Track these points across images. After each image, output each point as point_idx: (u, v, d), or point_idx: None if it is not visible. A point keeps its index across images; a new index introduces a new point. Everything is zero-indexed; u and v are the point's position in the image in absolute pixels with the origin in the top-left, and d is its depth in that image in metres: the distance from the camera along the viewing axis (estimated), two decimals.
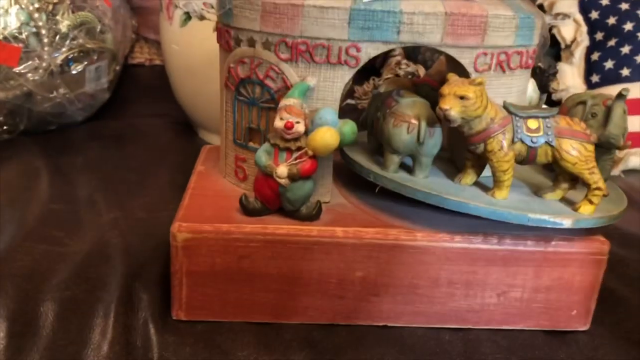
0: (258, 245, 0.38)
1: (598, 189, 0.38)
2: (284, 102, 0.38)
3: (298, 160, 0.38)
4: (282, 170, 0.38)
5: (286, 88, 0.40)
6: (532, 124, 0.38)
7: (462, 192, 0.39)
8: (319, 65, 0.39)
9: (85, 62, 0.68)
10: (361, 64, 0.39)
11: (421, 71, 0.82)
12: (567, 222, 0.37)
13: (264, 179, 0.39)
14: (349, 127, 0.39)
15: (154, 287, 0.42)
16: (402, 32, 0.38)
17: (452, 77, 0.37)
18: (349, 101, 0.85)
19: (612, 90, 0.75)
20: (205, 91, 0.64)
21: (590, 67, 0.77)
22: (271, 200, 0.39)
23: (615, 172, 0.71)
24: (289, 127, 0.37)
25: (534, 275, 0.40)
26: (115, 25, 0.75)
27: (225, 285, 0.39)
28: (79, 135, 0.70)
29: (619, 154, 0.70)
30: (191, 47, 0.65)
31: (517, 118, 0.38)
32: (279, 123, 0.38)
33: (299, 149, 0.38)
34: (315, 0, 0.38)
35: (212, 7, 0.61)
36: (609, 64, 0.75)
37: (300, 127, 0.38)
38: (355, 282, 0.40)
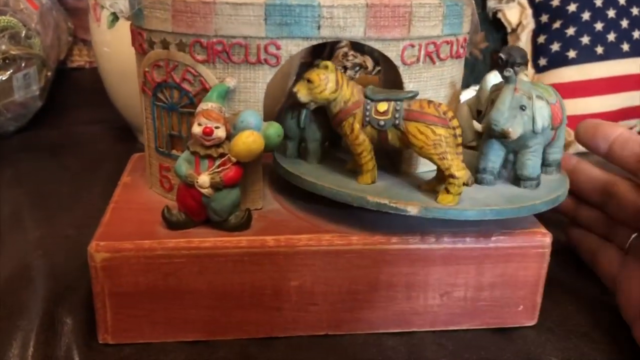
0: (183, 260, 0.36)
1: (451, 176, 0.36)
2: (201, 106, 0.36)
3: (221, 168, 0.36)
4: (204, 179, 0.36)
5: (205, 91, 0.37)
6: (382, 107, 0.37)
7: (338, 180, 0.39)
8: (238, 66, 0.37)
9: (12, 70, 0.64)
10: (282, 62, 0.37)
11: (368, 62, 0.80)
12: (412, 209, 0.35)
13: (186, 189, 0.37)
14: (274, 129, 0.37)
15: (78, 310, 0.39)
16: (322, 27, 0.36)
17: (321, 63, 0.37)
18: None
19: (560, 73, 0.74)
20: (139, 93, 0.61)
21: (537, 51, 0.76)
22: (196, 211, 0.37)
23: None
24: (207, 133, 0.35)
25: (476, 273, 0.39)
26: (44, 29, 0.71)
27: (152, 305, 0.37)
28: (9, 147, 0.66)
29: (568, 137, 0.70)
30: (122, 49, 0.62)
31: (369, 101, 0.37)
32: (196, 129, 0.35)
33: (221, 155, 0.36)
34: None
35: None
36: (555, 47, 0.74)
37: (220, 133, 0.36)
38: (290, 292, 0.38)
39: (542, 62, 0.75)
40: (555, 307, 0.43)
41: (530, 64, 0.76)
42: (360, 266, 0.38)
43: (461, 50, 0.41)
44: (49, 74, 0.71)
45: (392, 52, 0.38)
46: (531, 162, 0.39)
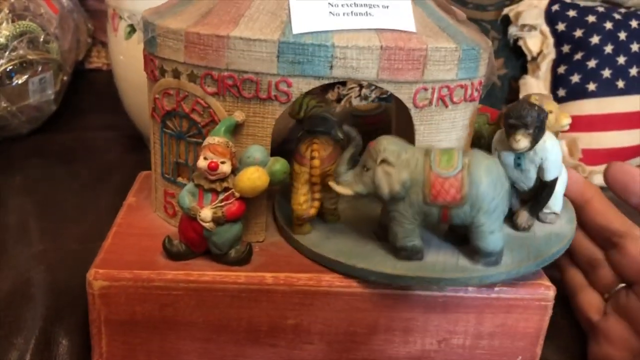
0: (181, 293, 0.36)
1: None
2: (208, 140, 0.36)
3: (224, 203, 0.36)
4: (206, 213, 0.36)
5: (214, 122, 0.37)
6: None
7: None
8: (248, 100, 0.36)
9: (28, 74, 0.65)
10: (293, 99, 0.36)
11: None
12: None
13: (188, 221, 0.36)
14: (280, 165, 0.36)
15: (76, 332, 0.40)
16: (335, 67, 0.35)
17: None
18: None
19: (579, 105, 0.73)
20: None
21: (557, 81, 0.75)
22: (196, 243, 0.37)
23: None
24: (212, 168, 0.35)
25: (476, 322, 0.38)
26: (63, 34, 0.71)
27: (148, 335, 0.37)
28: (21, 150, 0.66)
29: (582, 172, 0.69)
30: (137, 59, 0.62)
31: None
32: (202, 163, 0.35)
33: (225, 189, 0.36)
34: (241, 31, 0.35)
35: None
36: (575, 78, 0.73)
37: (225, 168, 0.35)
38: (287, 330, 0.37)
39: (561, 92, 0.74)
40: (556, 354, 0.42)
41: (548, 94, 0.75)
42: (359, 309, 0.37)
43: (475, 94, 0.40)
44: (65, 78, 0.72)
45: (404, 95, 0.37)
46: (395, 230, 0.36)
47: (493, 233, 0.35)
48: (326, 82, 0.36)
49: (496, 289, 0.37)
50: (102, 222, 0.52)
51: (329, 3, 0.36)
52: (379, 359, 0.39)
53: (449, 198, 0.34)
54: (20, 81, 0.64)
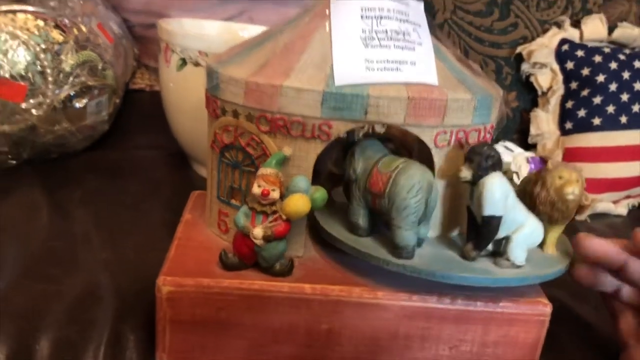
0: (234, 298, 0.43)
1: None
2: (261, 171, 0.42)
3: (273, 223, 0.43)
4: (258, 232, 0.42)
5: (265, 155, 0.44)
6: None
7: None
8: (295, 138, 0.43)
9: (87, 98, 0.72)
10: (332, 138, 0.43)
11: None
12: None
13: (242, 237, 0.43)
14: (320, 194, 0.43)
15: (140, 329, 0.46)
16: (369, 113, 0.42)
17: None
18: None
19: (584, 138, 0.80)
20: (197, 128, 0.68)
21: (565, 114, 0.81)
22: (248, 256, 0.44)
23: (582, 217, 0.75)
24: (265, 194, 0.42)
25: (483, 332, 0.45)
26: (116, 60, 0.79)
27: (205, 333, 0.44)
28: (78, 166, 0.74)
29: (585, 200, 0.74)
30: (186, 88, 0.70)
31: None
32: (256, 190, 0.42)
33: (274, 212, 0.43)
34: (292, 82, 0.42)
35: (207, 55, 0.66)
36: (581, 113, 0.79)
37: (275, 194, 0.42)
38: (321, 333, 0.44)
39: (568, 125, 0.80)
40: None
41: (556, 127, 0.82)
42: (383, 318, 0.44)
43: (488, 136, 0.47)
44: (117, 101, 0.80)
45: (426, 137, 0.44)
46: (349, 207, 0.47)
47: (400, 229, 0.42)
48: (360, 124, 0.43)
49: (501, 304, 0.44)
50: (155, 234, 0.59)
51: (366, 59, 0.43)
52: None
53: (376, 189, 0.43)
54: (80, 104, 0.72)
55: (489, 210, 0.42)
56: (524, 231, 0.43)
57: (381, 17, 0.44)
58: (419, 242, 0.45)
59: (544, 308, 0.44)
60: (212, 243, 0.48)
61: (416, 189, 0.41)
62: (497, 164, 0.42)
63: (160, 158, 0.78)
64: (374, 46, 0.43)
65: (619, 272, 0.44)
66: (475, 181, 0.42)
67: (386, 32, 0.44)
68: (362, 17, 0.44)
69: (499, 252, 0.44)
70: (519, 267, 0.44)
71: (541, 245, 0.46)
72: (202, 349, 0.44)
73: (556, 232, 0.46)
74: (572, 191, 0.43)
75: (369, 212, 0.46)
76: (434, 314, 0.44)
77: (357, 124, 0.43)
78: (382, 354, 0.45)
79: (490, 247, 0.44)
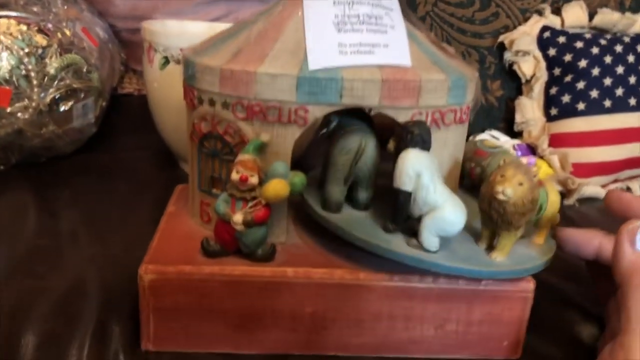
0: (217, 284, 0.43)
1: None
2: (239, 157, 0.43)
3: (252, 209, 0.43)
4: (238, 217, 0.43)
5: (243, 143, 0.44)
6: None
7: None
8: (272, 124, 0.44)
9: (73, 101, 0.73)
10: (309, 123, 0.43)
11: None
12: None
13: (222, 224, 0.44)
14: (299, 178, 0.44)
15: (125, 320, 0.46)
16: (344, 96, 0.43)
17: None
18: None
19: (569, 123, 0.80)
20: (182, 126, 0.68)
21: (549, 101, 0.81)
22: (229, 243, 0.44)
23: (570, 201, 0.75)
24: (243, 180, 0.42)
25: (467, 310, 0.45)
26: (101, 63, 0.80)
27: (189, 320, 0.44)
28: (67, 169, 0.74)
29: (572, 184, 0.75)
30: (170, 87, 0.70)
31: None
32: (235, 176, 0.42)
33: (253, 198, 0.43)
34: (267, 68, 0.42)
35: None
36: (565, 98, 0.80)
37: (254, 180, 0.43)
38: (305, 317, 0.44)
39: (553, 111, 0.81)
40: (541, 343, 0.48)
41: (542, 113, 0.82)
42: (365, 299, 0.44)
43: (464, 117, 0.47)
44: (104, 103, 0.80)
45: (402, 118, 0.44)
46: None
47: (327, 182, 0.46)
48: (336, 108, 0.44)
49: (483, 282, 0.44)
50: (142, 231, 0.59)
51: (339, 43, 0.43)
52: (384, 342, 0.45)
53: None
54: (66, 107, 0.72)
55: (396, 182, 0.42)
56: (434, 215, 0.41)
57: (353, 2, 0.45)
58: (358, 206, 0.47)
59: (527, 284, 0.44)
60: (195, 233, 0.48)
61: (346, 149, 0.45)
62: (419, 142, 0.41)
63: (148, 158, 0.79)
64: (347, 30, 0.44)
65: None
66: (396, 154, 0.42)
67: (358, 16, 0.44)
68: (334, 2, 0.44)
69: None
70: (428, 250, 0.42)
71: (490, 248, 0.44)
72: (187, 336, 0.44)
73: (505, 238, 0.42)
74: (502, 190, 0.39)
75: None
76: (416, 293, 0.44)
77: (332, 108, 0.43)
78: (367, 335, 0.45)
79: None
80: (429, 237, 0.41)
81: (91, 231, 0.59)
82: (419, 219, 0.42)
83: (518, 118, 0.82)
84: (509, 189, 0.39)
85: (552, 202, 0.46)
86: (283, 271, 0.43)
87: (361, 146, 0.44)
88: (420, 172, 0.41)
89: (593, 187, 0.77)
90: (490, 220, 0.42)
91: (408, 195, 0.41)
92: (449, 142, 0.47)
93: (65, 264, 0.53)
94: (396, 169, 0.41)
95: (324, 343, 0.45)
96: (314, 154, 0.70)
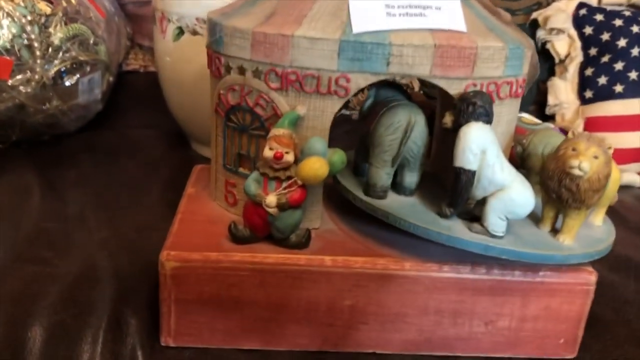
0: (246, 273, 0.39)
1: None
2: (273, 132, 0.38)
3: (287, 190, 0.38)
4: (271, 199, 0.38)
5: (276, 116, 0.40)
6: None
7: None
8: (309, 95, 0.39)
9: (78, 75, 0.68)
10: (351, 94, 0.39)
11: (415, 83, 0.82)
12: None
13: (253, 207, 0.39)
14: (338, 156, 0.39)
15: (142, 312, 0.42)
16: (391, 64, 0.38)
17: None
18: (344, 112, 0.86)
19: (606, 106, 0.75)
20: (197, 104, 0.64)
21: (584, 83, 0.77)
22: (260, 228, 0.39)
23: None
24: (278, 157, 0.38)
25: (522, 305, 0.40)
26: (109, 36, 0.75)
27: (214, 313, 0.39)
28: (71, 147, 0.70)
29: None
30: (184, 61, 0.65)
31: None
32: (268, 153, 0.38)
33: (288, 178, 0.39)
34: (305, 31, 0.37)
35: (205, 23, 0.61)
36: (602, 80, 0.75)
37: (289, 157, 0.38)
38: (344, 310, 0.40)
39: (588, 94, 0.76)
40: (595, 341, 0.44)
41: (575, 96, 0.78)
42: (411, 291, 0.40)
43: (520, 90, 0.43)
44: (111, 79, 0.75)
45: (454, 90, 0.40)
46: None
47: (372, 166, 0.41)
48: (382, 77, 0.39)
49: (541, 273, 0.40)
50: (156, 214, 0.55)
51: (386, 4, 0.38)
52: (429, 339, 0.41)
53: (369, 127, 0.42)
54: (71, 81, 0.67)
55: (459, 161, 0.37)
56: (502, 196, 0.37)
57: None
58: (405, 191, 0.43)
59: (589, 276, 0.40)
60: (219, 217, 0.43)
61: (394, 127, 0.40)
62: (482, 114, 0.37)
63: (157, 138, 0.74)
64: None
65: None
66: (455, 129, 0.38)
67: None
68: None
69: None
70: (494, 236, 0.38)
71: (554, 231, 0.40)
72: (212, 331, 0.40)
73: (573, 219, 0.39)
74: (578, 165, 0.36)
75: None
76: (467, 285, 0.40)
77: (378, 77, 0.39)
78: (410, 331, 0.41)
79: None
80: (496, 221, 0.37)
81: (100, 213, 0.55)
82: (481, 202, 0.38)
83: (551, 100, 0.78)
84: (585, 163, 0.35)
85: (615, 179, 0.41)
86: (320, 259, 0.39)
87: (410, 122, 0.40)
88: (486, 148, 0.36)
89: (630, 175, 0.73)
90: (559, 200, 0.37)
91: (472, 174, 0.37)
92: (503, 118, 0.42)
93: (74, 248, 0.49)
94: (457, 146, 0.37)
95: (362, 339, 0.41)
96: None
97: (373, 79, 0.39)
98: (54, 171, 0.63)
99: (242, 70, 0.40)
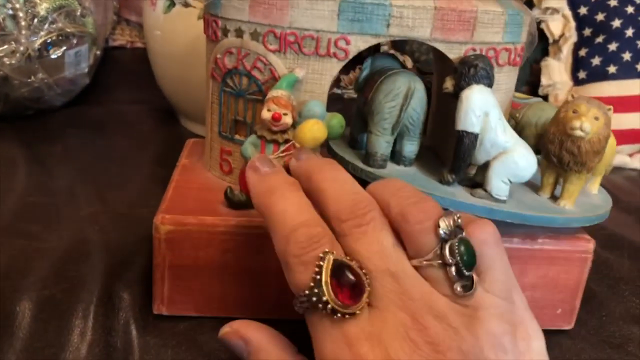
0: (243, 239, 0.38)
1: None
2: (271, 93, 0.37)
3: (285, 153, 0.38)
4: None
5: (274, 79, 0.39)
6: None
7: None
8: (308, 57, 0.38)
9: (65, 47, 0.66)
10: (350, 56, 0.38)
11: (408, 62, 0.81)
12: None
13: None
14: (337, 120, 0.38)
15: (134, 286, 0.41)
16: (391, 26, 0.37)
17: None
18: (335, 90, 0.85)
19: (599, 87, 0.75)
20: (188, 79, 0.63)
21: (578, 63, 0.77)
22: None
23: None
24: (276, 118, 0.37)
25: (520, 273, 0.40)
26: (96, 8, 0.73)
27: (209, 280, 0.39)
28: (57, 122, 0.68)
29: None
30: (174, 34, 0.64)
31: None
32: (266, 114, 0.37)
33: (286, 141, 0.38)
34: None
35: None
36: (596, 61, 0.75)
37: (287, 119, 0.37)
38: None
39: (582, 75, 0.76)
40: (590, 317, 0.44)
41: (569, 76, 0.78)
42: None
43: (517, 59, 0.42)
44: (98, 52, 0.73)
45: (454, 55, 0.39)
46: None
47: (371, 134, 0.40)
48: (382, 40, 0.38)
49: (540, 240, 0.39)
50: (146, 188, 0.54)
51: None
52: None
53: (366, 95, 0.41)
54: (57, 54, 0.66)
55: (461, 124, 0.37)
56: (505, 159, 0.37)
57: None
58: (405, 161, 0.42)
59: (587, 244, 0.40)
60: (215, 185, 0.42)
61: (393, 94, 0.39)
62: (483, 76, 0.37)
63: (146, 114, 0.73)
64: None
65: None
66: (456, 93, 0.37)
67: None
68: None
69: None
70: (497, 200, 0.38)
71: (554, 198, 0.40)
72: (207, 299, 0.39)
73: (574, 184, 0.39)
74: (580, 125, 0.36)
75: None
76: None
77: (378, 39, 0.38)
78: None
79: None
80: (500, 184, 0.36)
81: (89, 188, 0.53)
82: (483, 168, 0.37)
83: (544, 80, 0.77)
84: (587, 124, 0.35)
85: (611, 145, 0.41)
86: None
87: (410, 89, 0.39)
88: (488, 110, 0.36)
89: (621, 156, 0.73)
90: (560, 164, 0.37)
91: (475, 137, 0.36)
92: (501, 86, 0.42)
93: (63, 222, 0.47)
94: (459, 110, 0.36)
95: None
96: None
97: (373, 41, 0.38)
98: (40, 145, 0.61)
99: (239, 33, 0.39)
